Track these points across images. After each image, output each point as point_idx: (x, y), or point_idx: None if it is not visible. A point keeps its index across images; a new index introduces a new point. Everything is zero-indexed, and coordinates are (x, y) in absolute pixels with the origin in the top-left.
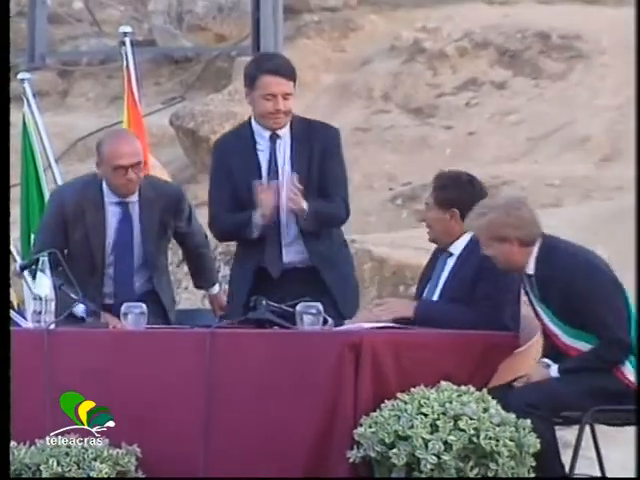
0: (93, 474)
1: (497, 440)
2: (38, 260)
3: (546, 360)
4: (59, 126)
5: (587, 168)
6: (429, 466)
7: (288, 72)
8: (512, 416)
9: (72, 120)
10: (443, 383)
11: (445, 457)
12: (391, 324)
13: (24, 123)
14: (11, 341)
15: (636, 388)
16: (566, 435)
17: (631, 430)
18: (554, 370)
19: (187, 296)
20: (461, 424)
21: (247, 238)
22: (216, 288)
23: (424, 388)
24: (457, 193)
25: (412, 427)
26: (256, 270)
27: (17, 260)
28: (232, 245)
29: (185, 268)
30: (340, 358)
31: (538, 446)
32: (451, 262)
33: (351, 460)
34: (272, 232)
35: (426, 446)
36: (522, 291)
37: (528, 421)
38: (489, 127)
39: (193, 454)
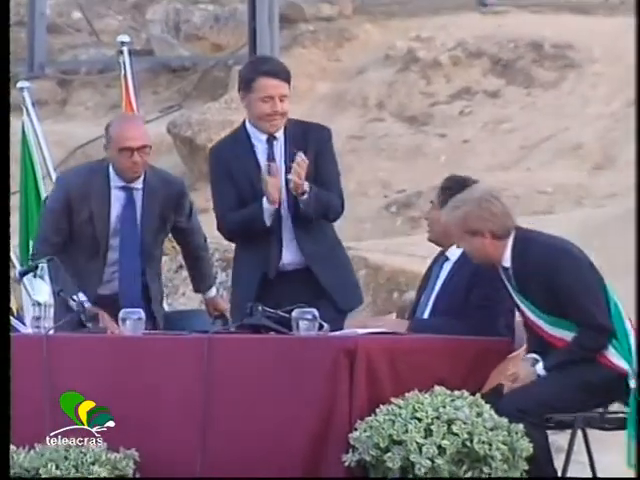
0: (92, 478)
1: (490, 444)
2: (37, 267)
3: (533, 355)
4: (58, 134)
5: (579, 176)
6: (423, 470)
7: (284, 74)
8: (505, 420)
9: (71, 128)
10: (437, 388)
11: (439, 461)
12: (384, 330)
13: (23, 131)
14: (11, 346)
15: (622, 371)
16: (559, 440)
17: (623, 434)
18: (540, 367)
19: (184, 301)
20: (455, 428)
21: (259, 230)
22: (213, 291)
23: (418, 393)
24: None
25: (406, 431)
26: (262, 276)
27: (16, 267)
28: (230, 252)
29: (183, 274)
30: (335, 363)
31: (531, 450)
32: (448, 267)
33: (346, 464)
34: (272, 232)
35: (420, 450)
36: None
37: (521, 425)
38: (482, 135)
39: (190, 458)
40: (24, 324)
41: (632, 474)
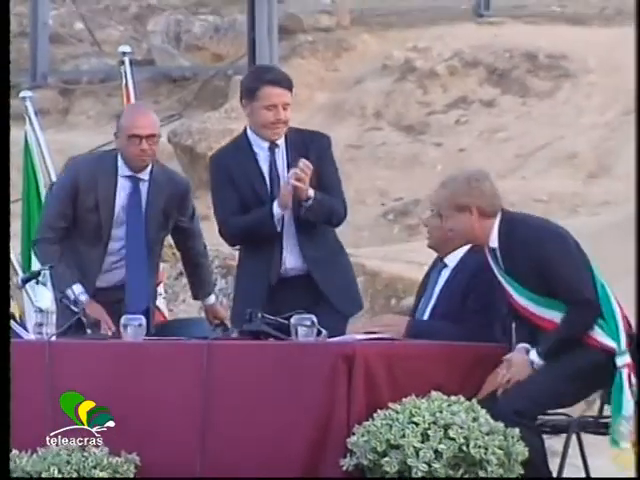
0: None
1: (486, 448)
2: (39, 273)
3: (524, 345)
4: (60, 143)
5: (574, 184)
6: (420, 474)
7: (287, 83)
8: (501, 425)
9: (73, 137)
10: (434, 393)
11: (435, 465)
12: (382, 335)
13: (26, 140)
14: (11, 352)
15: (609, 349)
16: (554, 444)
17: None
18: (533, 353)
19: (184, 308)
20: (451, 433)
21: (267, 235)
22: (212, 299)
23: (415, 398)
24: None
25: (403, 436)
26: (268, 285)
27: (19, 273)
28: (229, 259)
29: (183, 281)
30: (334, 369)
31: (526, 454)
32: (446, 274)
33: (344, 468)
34: (276, 238)
35: (417, 454)
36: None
37: (517, 430)
38: (478, 144)
39: (190, 463)
40: (27, 330)
41: (623, 474)
